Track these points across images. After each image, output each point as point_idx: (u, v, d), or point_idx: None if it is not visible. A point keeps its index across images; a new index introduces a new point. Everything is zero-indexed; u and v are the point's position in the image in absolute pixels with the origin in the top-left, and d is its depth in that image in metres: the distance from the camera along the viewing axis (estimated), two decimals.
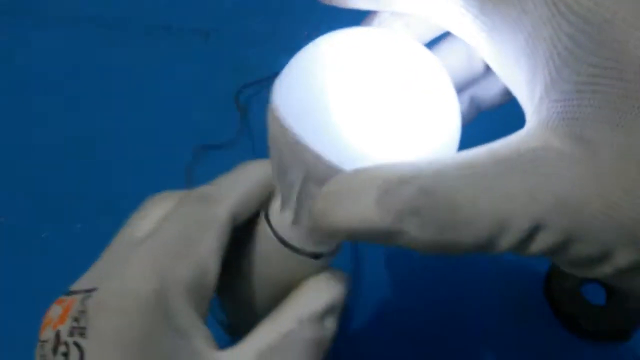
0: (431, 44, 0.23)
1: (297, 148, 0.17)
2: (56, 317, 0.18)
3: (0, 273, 0.33)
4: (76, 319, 0.17)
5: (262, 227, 0.21)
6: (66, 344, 0.17)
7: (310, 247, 0.20)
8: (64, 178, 0.37)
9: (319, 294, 0.20)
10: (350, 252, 0.36)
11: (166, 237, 0.19)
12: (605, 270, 0.15)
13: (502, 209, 0.14)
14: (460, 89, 0.21)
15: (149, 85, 0.41)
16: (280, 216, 0.20)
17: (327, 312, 0.20)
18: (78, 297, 0.18)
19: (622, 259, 0.14)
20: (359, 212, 0.14)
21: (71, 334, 0.17)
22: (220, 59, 0.43)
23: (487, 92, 0.22)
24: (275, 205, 0.21)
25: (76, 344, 0.17)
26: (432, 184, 0.14)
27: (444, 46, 0.22)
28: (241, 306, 0.22)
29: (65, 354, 0.17)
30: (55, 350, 0.17)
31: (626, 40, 0.13)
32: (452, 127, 0.19)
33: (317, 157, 0.17)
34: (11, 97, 0.42)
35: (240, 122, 0.39)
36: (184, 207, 0.20)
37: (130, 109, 0.39)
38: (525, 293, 0.35)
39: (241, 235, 0.21)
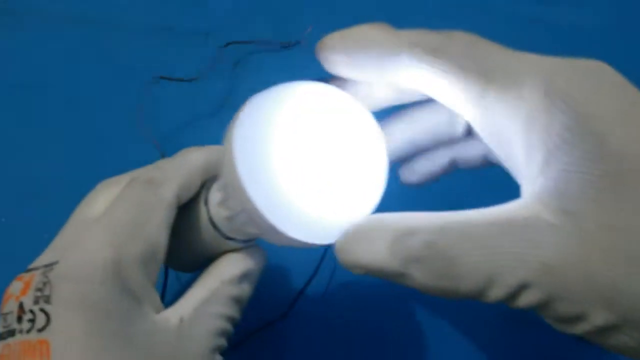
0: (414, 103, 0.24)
1: (237, 185, 0.20)
2: (17, 291, 0.20)
3: (0, 273, 0.33)
4: (39, 289, 0.20)
5: (201, 210, 0.25)
6: (32, 311, 0.19)
7: (237, 236, 0.25)
8: (65, 178, 0.37)
9: (237, 263, 0.24)
10: None
11: (118, 216, 0.22)
12: (584, 327, 0.17)
13: (493, 267, 0.16)
14: (439, 147, 0.25)
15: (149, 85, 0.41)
16: (217, 208, 0.24)
17: (242, 276, 0.24)
18: (38, 272, 0.21)
19: (598, 318, 0.16)
20: (372, 254, 0.18)
21: (36, 302, 0.20)
22: (220, 59, 0.43)
23: (467, 154, 0.25)
24: (215, 197, 0.24)
25: (42, 310, 0.19)
26: (435, 238, 0.17)
27: (427, 107, 0.24)
28: (181, 267, 0.27)
29: (32, 320, 0.19)
30: (20, 319, 0.20)
31: (608, 133, 0.16)
32: (377, 190, 0.22)
33: (249, 200, 0.20)
34: (11, 97, 0.42)
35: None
36: (132, 190, 0.23)
37: (130, 108, 0.39)
38: None
39: (183, 211, 0.25)
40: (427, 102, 0.23)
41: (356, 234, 0.19)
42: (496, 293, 0.17)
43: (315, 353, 0.33)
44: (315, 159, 0.21)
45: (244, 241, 0.25)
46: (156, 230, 0.22)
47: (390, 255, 0.18)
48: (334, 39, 0.21)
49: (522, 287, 0.17)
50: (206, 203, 0.25)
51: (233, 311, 0.23)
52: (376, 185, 0.22)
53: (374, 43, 0.20)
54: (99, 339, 0.19)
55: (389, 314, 0.35)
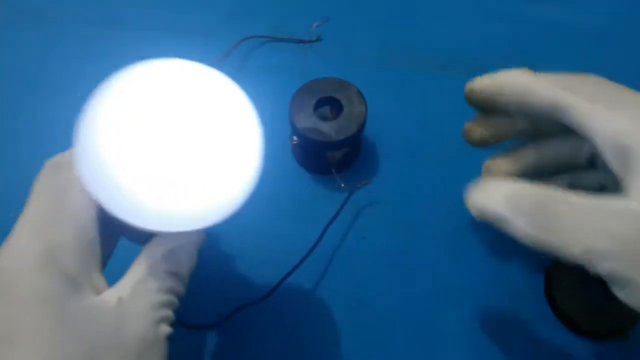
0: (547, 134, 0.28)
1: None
2: None
3: None
4: None
5: None
6: None
7: None
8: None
9: (167, 240, 0.25)
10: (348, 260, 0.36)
11: (36, 205, 0.23)
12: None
13: (585, 232, 0.21)
14: (560, 172, 0.29)
15: None
16: None
17: (174, 251, 0.25)
18: None
19: None
20: (492, 202, 0.24)
21: None
22: (221, 59, 0.43)
23: (583, 182, 0.28)
24: None
25: None
26: (546, 201, 0.22)
27: (555, 137, 0.28)
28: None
29: None
30: None
31: None
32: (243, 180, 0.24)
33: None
34: (12, 97, 0.42)
35: None
36: (43, 177, 0.24)
37: None
38: (525, 293, 0.35)
39: None
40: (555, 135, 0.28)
41: (484, 186, 0.24)
42: (574, 253, 0.21)
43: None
44: (146, 145, 0.22)
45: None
46: (78, 211, 0.23)
47: (506, 206, 0.23)
48: (483, 81, 0.27)
49: (600, 253, 0.21)
50: None
51: (173, 283, 0.24)
52: (240, 169, 0.24)
53: (526, 91, 0.25)
54: (33, 323, 0.20)
55: (389, 314, 0.35)
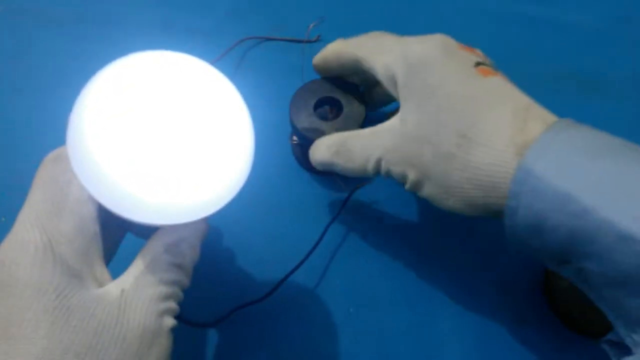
0: None
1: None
2: None
3: None
4: None
5: None
6: None
7: None
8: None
9: (171, 232, 0.25)
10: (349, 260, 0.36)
11: (36, 198, 0.23)
12: (407, 186, 0.30)
13: (367, 152, 0.30)
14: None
15: None
16: None
17: (177, 243, 0.25)
18: None
19: (411, 175, 0.29)
20: (320, 153, 0.33)
21: None
22: (220, 59, 0.43)
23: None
24: None
25: None
26: (345, 140, 0.32)
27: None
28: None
29: None
30: None
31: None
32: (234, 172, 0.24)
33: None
34: (12, 97, 0.42)
35: None
36: (44, 169, 0.24)
37: None
38: (525, 293, 0.35)
39: None
40: None
41: (315, 144, 0.34)
42: (370, 167, 0.30)
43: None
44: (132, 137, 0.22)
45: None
46: (77, 203, 0.23)
47: (327, 152, 0.33)
48: (318, 55, 0.36)
49: (379, 160, 0.30)
50: None
51: (176, 275, 0.25)
52: (233, 157, 0.24)
53: (338, 54, 0.34)
54: (34, 314, 0.21)
55: (388, 313, 0.35)
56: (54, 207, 0.23)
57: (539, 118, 0.26)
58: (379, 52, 0.31)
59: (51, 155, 0.25)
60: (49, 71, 0.43)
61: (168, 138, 0.23)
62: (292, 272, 0.33)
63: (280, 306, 0.34)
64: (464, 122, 0.27)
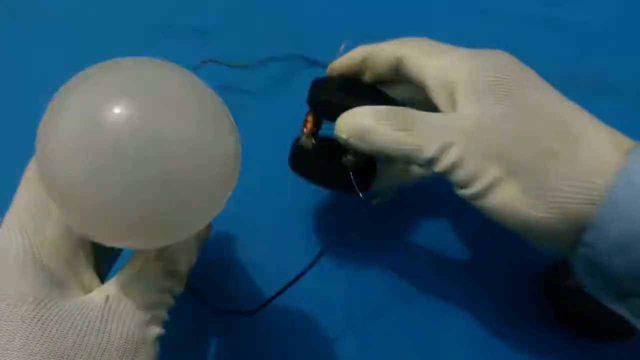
0: None
1: None
2: None
3: None
4: None
5: None
6: None
7: None
8: None
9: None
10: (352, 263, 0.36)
11: (22, 201, 0.23)
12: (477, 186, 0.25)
13: (438, 134, 0.26)
14: None
15: None
16: None
17: (169, 251, 0.24)
18: None
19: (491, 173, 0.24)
20: (359, 116, 0.27)
21: None
22: (220, 59, 0.43)
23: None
24: None
25: None
26: (403, 111, 0.27)
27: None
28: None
29: None
30: None
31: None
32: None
33: None
34: (11, 97, 0.42)
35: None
36: (29, 173, 0.24)
37: None
38: (525, 293, 0.35)
39: None
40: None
41: (354, 111, 0.28)
42: (431, 151, 0.25)
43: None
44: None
45: None
46: None
47: (371, 116, 0.27)
48: (342, 61, 0.32)
49: (450, 146, 0.25)
50: None
51: (167, 282, 0.24)
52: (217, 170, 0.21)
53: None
54: (10, 325, 0.20)
55: (388, 313, 0.35)
56: (38, 211, 0.22)
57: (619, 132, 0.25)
58: (429, 53, 0.28)
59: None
60: (47, 71, 0.43)
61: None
62: (292, 282, 0.31)
63: (277, 318, 0.34)
64: (563, 118, 0.25)
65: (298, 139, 0.32)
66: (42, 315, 0.20)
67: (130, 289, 0.23)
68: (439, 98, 0.27)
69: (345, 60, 0.32)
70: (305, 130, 0.32)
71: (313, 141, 0.31)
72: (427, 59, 0.28)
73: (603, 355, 0.33)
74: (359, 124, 0.26)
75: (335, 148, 0.30)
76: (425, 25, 0.45)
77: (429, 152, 0.25)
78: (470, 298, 0.35)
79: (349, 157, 0.30)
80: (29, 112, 0.41)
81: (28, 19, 0.45)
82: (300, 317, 0.34)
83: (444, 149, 0.25)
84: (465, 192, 0.25)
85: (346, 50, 0.32)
